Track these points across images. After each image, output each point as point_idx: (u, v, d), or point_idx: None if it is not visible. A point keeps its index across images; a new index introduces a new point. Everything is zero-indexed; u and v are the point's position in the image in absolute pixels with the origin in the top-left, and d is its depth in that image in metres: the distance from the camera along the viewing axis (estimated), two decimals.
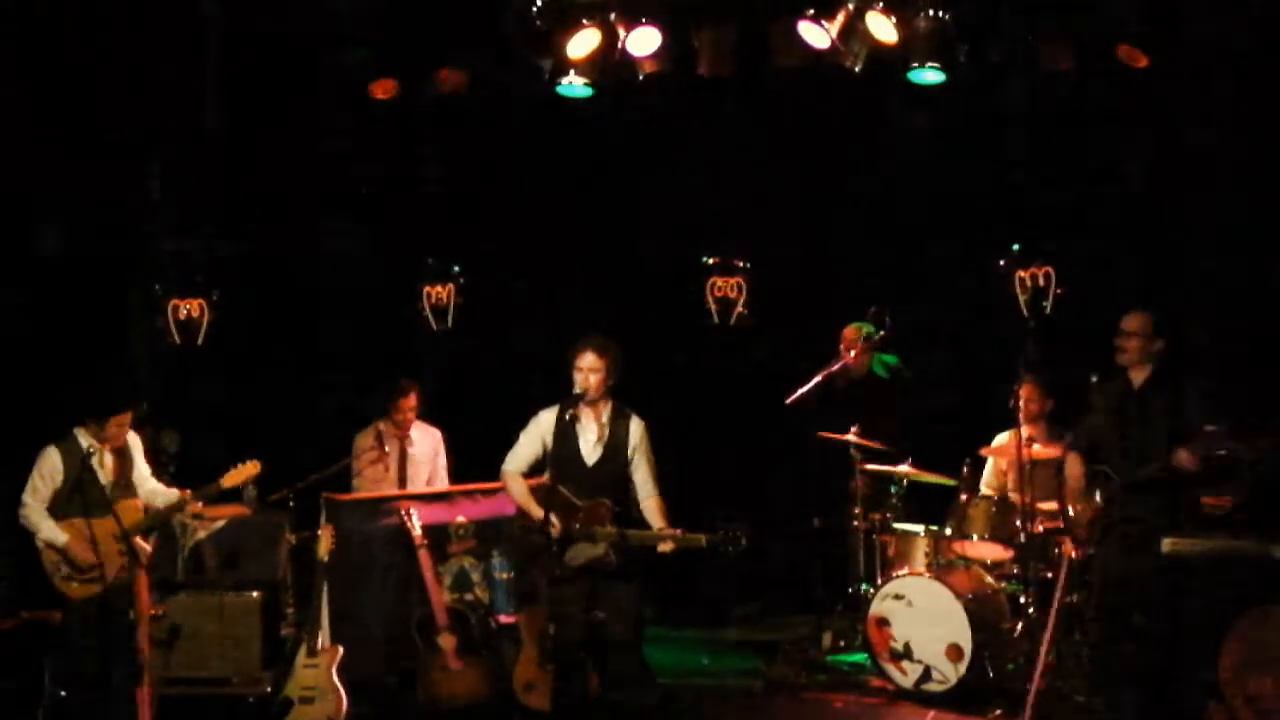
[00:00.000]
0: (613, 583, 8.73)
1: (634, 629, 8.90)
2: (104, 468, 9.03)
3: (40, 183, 11.09)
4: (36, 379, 10.88)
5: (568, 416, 8.80)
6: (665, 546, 8.58)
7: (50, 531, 8.85)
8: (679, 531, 8.60)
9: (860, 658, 10.55)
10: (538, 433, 8.95)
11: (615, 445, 8.86)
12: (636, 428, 8.91)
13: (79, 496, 8.86)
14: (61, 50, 10.96)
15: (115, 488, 9.05)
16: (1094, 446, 8.91)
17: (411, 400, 11.07)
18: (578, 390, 8.77)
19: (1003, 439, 10.45)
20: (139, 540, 9.11)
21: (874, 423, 10.87)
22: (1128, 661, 8.72)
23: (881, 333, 11.00)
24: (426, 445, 11.21)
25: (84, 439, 8.99)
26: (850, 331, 11.10)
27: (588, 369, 8.77)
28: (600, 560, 8.67)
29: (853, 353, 11.00)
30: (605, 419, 8.89)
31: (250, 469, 9.36)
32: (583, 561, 8.70)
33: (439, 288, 12.81)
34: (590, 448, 8.87)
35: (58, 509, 8.90)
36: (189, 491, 9.28)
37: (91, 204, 11.37)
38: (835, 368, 11.04)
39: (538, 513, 8.70)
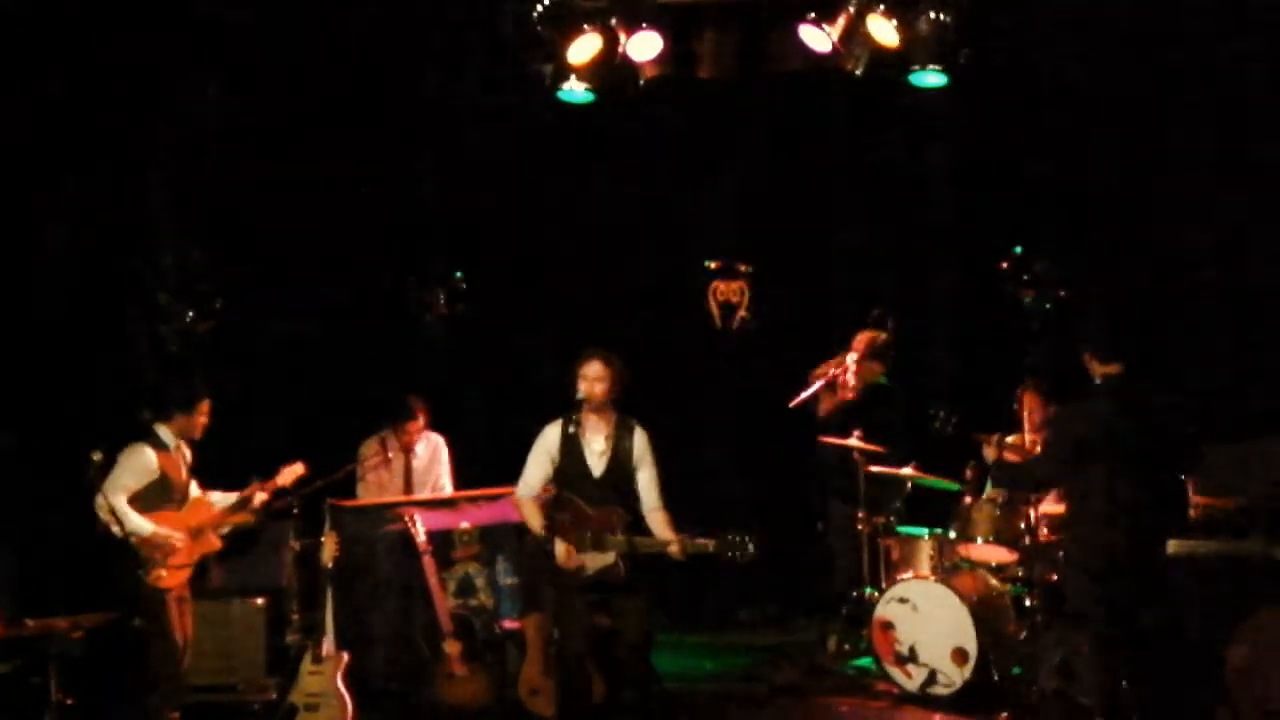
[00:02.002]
0: (622, 593, 8.72)
1: (642, 639, 8.87)
2: (183, 463, 9.35)
3: (43, 188, 11.08)
4: (41, 386, 10.88)
5: (572, 429, 8.80)
6: (673, 550, 8.57)
7: (138, 523, 9.00)
8: (686, 537, 8.59)
9: (865, 662, 10.55)
10: (544, 450, 8.93)
11: (621, 456, 8.84)
12: (641, 439, 8.89)
13: (163, 492, 9.19)
14: (64, 54, 10.96)
15: (188, 484, 9.41)
16: None
17: (419, 422, 11.10)
18: (581, 397, 8.76)
19: (1007, 443, 10.43)
20: (211, 534, 9.44)
21: (877, 428, 10.90)
22: (1134, 664, 8.71)
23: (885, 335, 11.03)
24: (430, 452, 11.22)
25: (167, 435, 9.28)
26: (863, 339, 11.08)
27: (594, 378, 8.75)
28: (610, 570, 8.65)
29: (855, 360, 11.00)
30: (610, 430, 8.87)
31: (296, 469, 9.72)
32: (592, 572, 8.68)
33: (440, 294, 12.79)
34: (596, 459, 8.85)
35: (145, 503, 9.10)
36: (256, 485, 9.58)
37: (94, 211, 11.36)
38: (839, 374, 11.04)
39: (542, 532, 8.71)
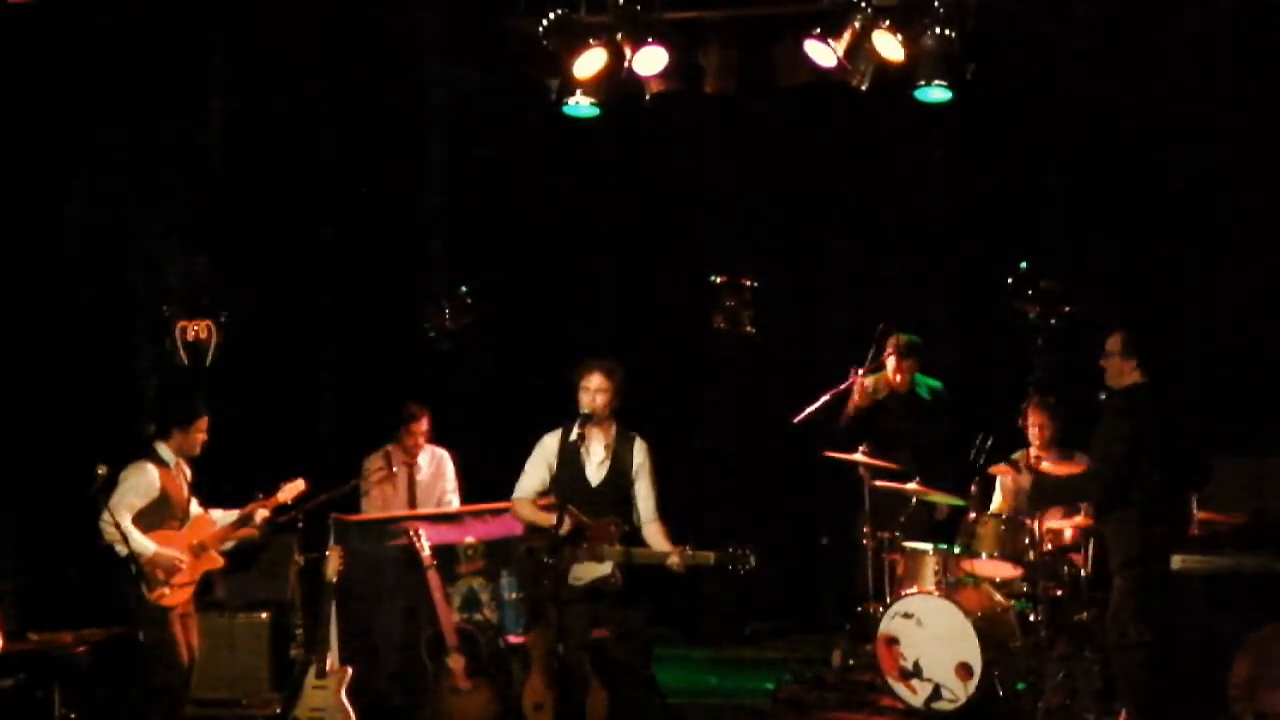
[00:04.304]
0: (620, 605, 8.71)
1: (642, 651, 8.87)
2: (183, 481, 9.34)
3: (48, 200, 11.11)
4: (44, 401, 10.91)
5: (572, 438, 8.79)
6: (673, 561, 8.56)
7: (140, 543, 9.01)
8: (687, 549, 8.58)
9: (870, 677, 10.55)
10: (542, 457, 8.94)
11: (620, 467, 8.84)
12: (640, 449, 8.89)
13: (165, 510, 9.18)
14: (69, 64, 11.00)
15: (189, 501, 9.40)
16: None
17: (422, 426, 11.09)
18: (584, 411, 8.77)
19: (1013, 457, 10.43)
20: (213, 552, 9.42)
21: (901, 442, 10.90)
22: (1137, 679, 8.73)
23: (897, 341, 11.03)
24: (434, 466, 11.21)
25: (167, 453, 9.28)
26: (896, 341, 11.08)
27: (595, 389, 8.76)
28: (606, 580, 8.65)
29: (892, 361, 11.00)
30: (610, 440, 8.87)
31: (297, 486, 9.72)
32: (588, 581, 8.68)
33: (445, 307, 12.80)
34: (595, 469, 8.85)
35: (146, 522, 9.10)
36: (258, 503, 9.57)
37: (99, 224, 11.40)
38: (844, 386, 11.04)
39: (548, 518, 8.69)
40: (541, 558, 8.66)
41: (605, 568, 8.63)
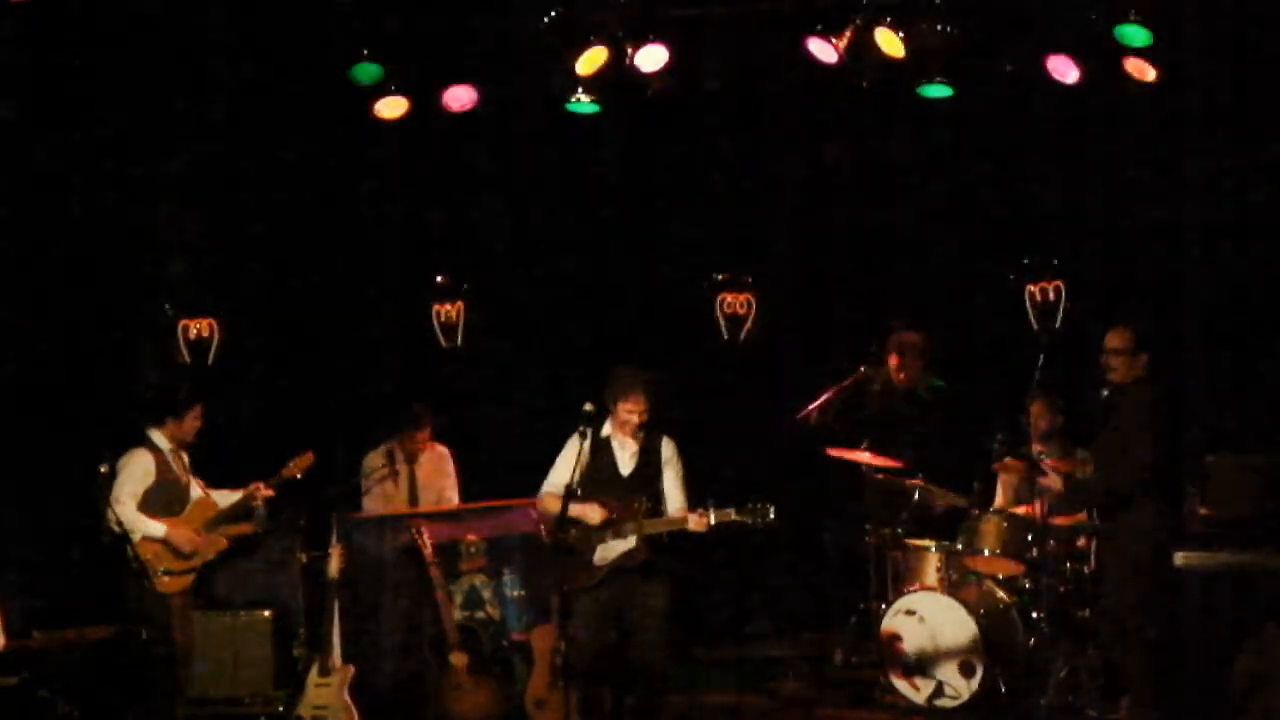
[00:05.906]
0: (642, 582, 8.76)
1: (660, 627, 8.88)
2: (180, 467, 9.35)
3: (49, 203, 11.11)
4: (48, 399, 10.91)
5: (604, 433, 8.89)
6: (694, 522, 8.58)
7: (150, 526, 9.08)
8: (707, 508, 8.60)
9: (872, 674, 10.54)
10: (573, 452, 8.95)
11: (650, 457, 8.93)
12: (668, 444, 9.00)
13: (163, 495, 9.22)
14: (75, 62, 11.00)
15: (187, 488, 9.40)
16: None
17: (425, 432, 11.07)
18: (612, 429, 8.86)
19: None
20: (214, 536, 9.44)
21: (903, 439, 10.89)
22: (1140, 675, 8.73)
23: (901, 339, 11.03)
24: (435, 464, 11.20)
25: (161, 440, 9.29)
26: (913, 338, 11.06)
27: (639, 410, 8.83)
28: (630, 555, 8.70)
29: (905, 363, 11.00)
30: (640, 434, 8.93)
31: (306, 459, 9.70)
32: (613, 560, 8.71)
33: (448, 305, 12.79)
34: (626, 460, 8.93)
35: (144, 510, 9.13)
36: (259, 484, 9.57)
37: (101, 225, 11.40)
38: (848, 382, 11.03)
39: (577, 510, 8.75)
40: (569, 547, 8.68)
41: (629, 543, 8.68)
